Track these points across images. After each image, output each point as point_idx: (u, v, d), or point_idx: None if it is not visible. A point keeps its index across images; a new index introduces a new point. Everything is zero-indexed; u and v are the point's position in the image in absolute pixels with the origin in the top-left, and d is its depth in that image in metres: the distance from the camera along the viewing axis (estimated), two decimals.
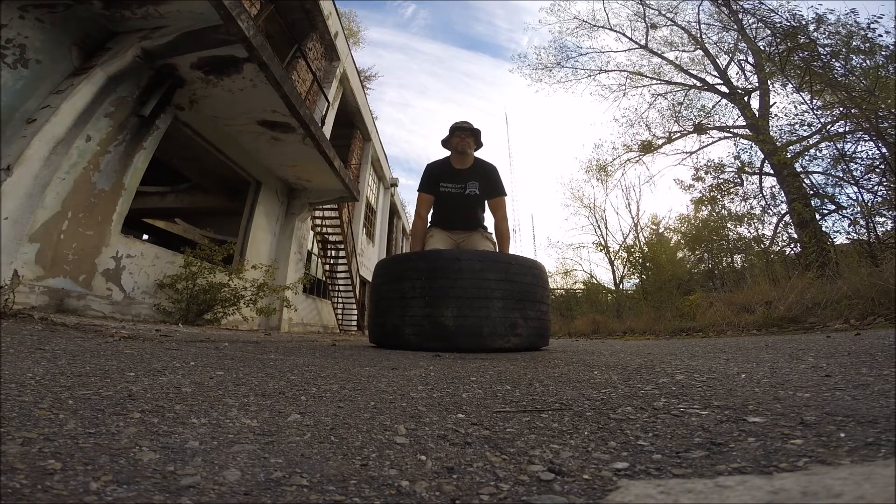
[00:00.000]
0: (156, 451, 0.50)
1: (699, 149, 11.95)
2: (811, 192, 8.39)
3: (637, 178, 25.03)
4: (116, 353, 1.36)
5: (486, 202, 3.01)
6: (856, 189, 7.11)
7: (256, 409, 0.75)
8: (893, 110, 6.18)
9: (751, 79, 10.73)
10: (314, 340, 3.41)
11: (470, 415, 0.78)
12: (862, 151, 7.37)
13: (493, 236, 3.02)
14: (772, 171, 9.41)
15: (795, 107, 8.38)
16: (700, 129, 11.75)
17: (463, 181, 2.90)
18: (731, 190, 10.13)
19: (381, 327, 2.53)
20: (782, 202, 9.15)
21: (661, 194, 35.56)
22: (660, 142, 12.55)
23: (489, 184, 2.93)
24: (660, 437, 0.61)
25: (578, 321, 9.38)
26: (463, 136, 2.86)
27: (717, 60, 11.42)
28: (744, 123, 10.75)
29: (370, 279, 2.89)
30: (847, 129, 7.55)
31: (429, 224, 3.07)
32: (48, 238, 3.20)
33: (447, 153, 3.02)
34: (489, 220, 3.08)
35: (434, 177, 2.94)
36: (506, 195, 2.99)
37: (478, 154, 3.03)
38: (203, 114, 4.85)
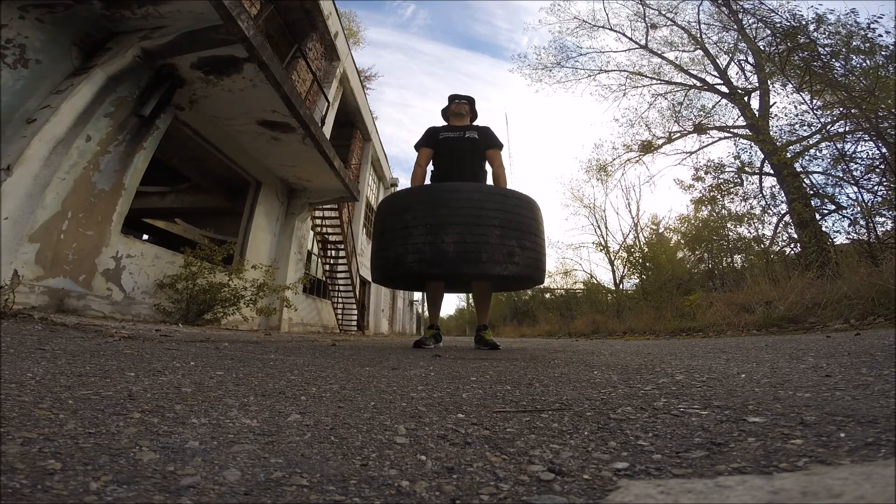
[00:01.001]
0: (156, 451, 0.50)
1: (699, 149, 11.96)
2: (811, 192, 8.39)
3: (637, 178, 25.10)
4: (116, 353, 1.36)
5: (484, 151, 3.12)
6: (856, 189, 7.11)
7: (256, 409, 0.75)
8: (893, 110, 6.18)
9: (751, 79, 10.74)
10: (314, 340, 3.41)
11: (470, 415, 0.78)
12: (862, 151, 7.37)
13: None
14: (772, 171, 9.40)
15: (795, 107, 8.38)
16: (700, 129, 11.75)
17: (461, 130, 3.09)
18: (731, 190, 10.13)
19: (384, 259, 2.60)
20: (782, 202, 9.15)
21: (661, 194, 35.70)
22: (660, 142, 12.56)
23: (486, 136, 3.09)
24: (660, 437, 0.61)
25: (578, 321, 9.38)
26: (460, 101, 3.21)
27: (717, 60, 11.43)
28: (744, 123, 10.75)
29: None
30: (847, 129, 7.55)
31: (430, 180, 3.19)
32: (48, 238, 3.20)
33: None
34: (488, 172, 3.22)
35: (433, 132, 3.13)
36: (502, 147, 3.14)
37: None
38: (203, 114, 4.84)
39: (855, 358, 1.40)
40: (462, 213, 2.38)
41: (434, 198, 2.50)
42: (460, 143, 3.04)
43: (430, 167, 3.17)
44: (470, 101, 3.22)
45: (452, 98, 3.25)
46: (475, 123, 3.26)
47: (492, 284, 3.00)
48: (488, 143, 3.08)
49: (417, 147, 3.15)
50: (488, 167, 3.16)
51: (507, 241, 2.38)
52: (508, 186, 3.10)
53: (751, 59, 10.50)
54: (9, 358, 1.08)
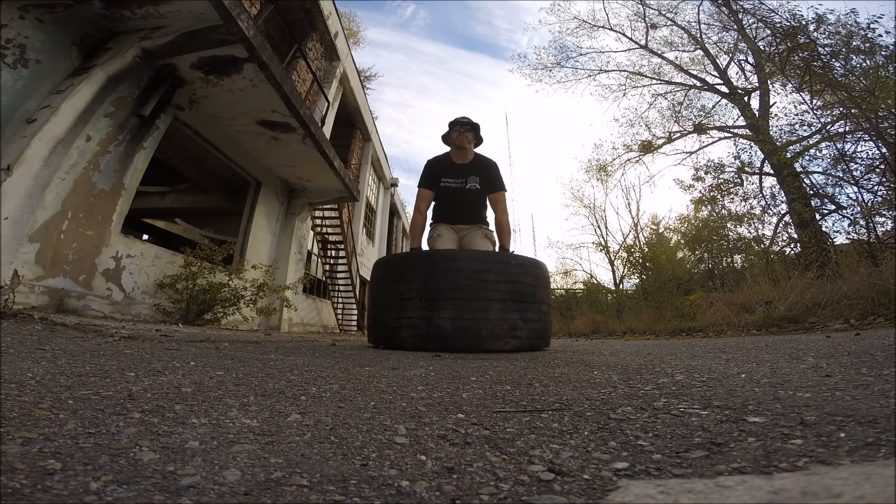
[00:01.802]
0: (156, 451, 0.50)
1: (699, 149, 11.96)
2: (811, 192, 8.39)
3: (637, 178, 25.02)
4: (116, 353, 1.36)
5: (486, 197, 3.02)
6: (856, 189, 7.11)
7: (256, 409, 0.75)
8: (893, 110, 6.18)
9: (751, 79, 10.74)
10: (314, 340, 3.41)
11: (470, 415, 0.78)
12: (862, 151, 7.37)
13: (494, 233, 3.03)
14: (772, 171, 9.40)
15: (795, 107, 8.39)
16: (700, 129, 11.75)
17: (463, 176, 2.91)
18: (731, 190, 10.13)
19: (378, 328, 2.53)
20: (782, 202, 9.15)
21: (661, 194, 35.69)
22: (660, 142, 12.55)
23: (489, 178, 2.95)
24: (660, 437, 0.61)
25: (578, 321, 9.37)
26: (462, 131, 2.86)
27: (717, 60, 11.42)
28: (744, 123, 10.75)
29: (369, 279, 2.88)
30: (847, 129, 7.55)
31: (431, 220, 3.08)
32: (48, 238, 3.20)
33: (447, 150, 3.03)
34: (490, 216, 3.10)
35: (434, 172, 2.95)
36: (506, 190, 3.00)
37: (478, 150, 3.03)
38: (203, 114, 4.84)
39: (855, 358, 1.40)
40: (460, 287, 2.25)
41: (430, 267, 2.37)
42: (462, 195, 2.90)
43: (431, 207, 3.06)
44: (474, 129, 2.91)
45: (454, 124, 2.91)
46: (478, 151, 3.01)
47: None
48: (491, 187, 2.94)
49: (419, 186, 3.01)
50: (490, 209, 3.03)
51: (508, 315, 2.26)
52: (510, 224, 3.00)
53: (751, 59, 10.50)
54: (9, 358, 1.08)
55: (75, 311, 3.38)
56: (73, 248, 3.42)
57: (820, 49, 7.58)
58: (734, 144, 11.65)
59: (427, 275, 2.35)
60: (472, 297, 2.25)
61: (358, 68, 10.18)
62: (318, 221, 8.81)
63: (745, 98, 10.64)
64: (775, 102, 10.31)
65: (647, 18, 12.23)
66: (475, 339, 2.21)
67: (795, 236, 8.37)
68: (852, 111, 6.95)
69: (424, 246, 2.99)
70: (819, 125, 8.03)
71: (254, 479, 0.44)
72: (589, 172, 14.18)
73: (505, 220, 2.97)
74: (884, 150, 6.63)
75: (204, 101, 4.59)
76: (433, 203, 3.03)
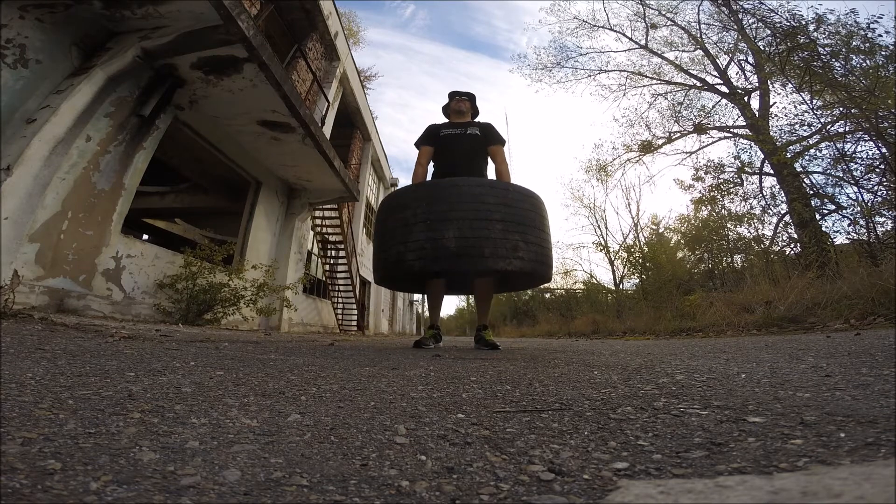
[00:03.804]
0: (156, 451, 0.50)
1: (699, 149, 11.96)
2: (811, 192, 8.39)
3: (637, 178, 25.08)
4: (116, 353, 1.36)
5: (486, 148, 3.10)
6: (856, 189, 7.12)
7: (256, 409, 0.75)
8: (893, 110, 6.18)
9: (751, 79, 10.74)
10: (314, 340, 3.41)
11: (470, 415, 0.78)
12: (862, 151, 7.37)
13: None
14: (772, 171, 9.41)
15: (795, 107, 8.40)
16: (700, 129, 11.75)
17: (463, 127, 3.07)
18: (731, 190, 10.13)
19: (384, 260, 2.56)
20: (782, 202, 9.15)
21: (661, 194, 35.76)
22: (660, 142, 12.56)
23: (488, 132, 3.07)
24: (660, 437, 0.61)
25: (578, 321, 9.38)
26: (460, 98, 3.17)
27: (717, 60, 11.43)
28: (744, 123, 10.75)
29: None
30: (847, 129, 7.55)
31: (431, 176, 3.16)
32: (48, 238, 3.20)
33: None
34: (490, 170, 3.18)
35: (434, 130, 3.11)
36: (504, 143, 3.10)
37: None
38: (203, 114, 4.84)
39: (855, 358, 1.40)
40: (462, 208, 2.31)
41: (433, 193, 2.45)
42: (461, 140, 3.01)
43: (431, 166, 3.14)
44: (471, 98, 3.19)
45: (453, 95, 3.21)
46: (476, 120, 3.22)
47: (494, 282, 2.97)
48: (490, 139, 3.04)
49: (418, 145, 3.12)
50: (490, 164, 3.13)
51: (510, 236, 2.31)
52: (511, 175, 3.06)
53: (751, 59, 10.50)
54: (9, 358, 1.08)
55: (75, 311, 3.38)
56: (73, 248, 3.42)
57: (820, 49, 7.58)
58: (734, 144, 11.72)
59: (431, 199, 2.42)
60: (474, 217, 2.30)
61: (358, 68, 10.19)
62: (318, 221, 8.81)
63: (745, 98, 10.65)
64: (775, 102, 10.32)
65: (647, 18, 12.24)
66: (479, 257, 2.24)
67: (795, 236, 8.37)
68: (852, 111, 6.95)
69: None
70: (819, 125, 8.03)
71: (254, 479, 0.44)
72: (589, 172, 14.21)
73: (505, 169, 3.06)
74: (884, 150, 6.64)
75: (204, 101, 4.59)
76: (433, 162, 3.12)
